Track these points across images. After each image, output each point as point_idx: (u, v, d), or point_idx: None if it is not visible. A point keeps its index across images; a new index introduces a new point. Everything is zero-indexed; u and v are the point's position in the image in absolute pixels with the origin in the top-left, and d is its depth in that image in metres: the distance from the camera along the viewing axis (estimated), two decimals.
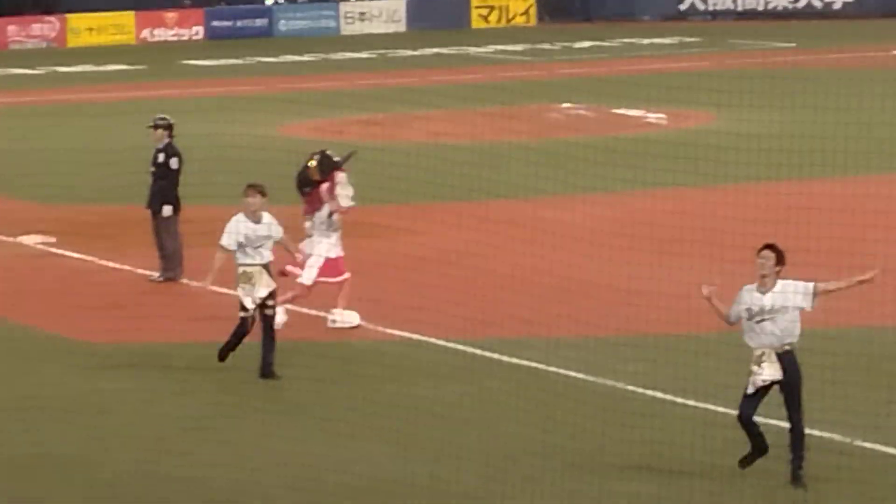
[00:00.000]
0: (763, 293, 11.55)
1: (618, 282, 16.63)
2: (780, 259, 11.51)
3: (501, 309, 16.57)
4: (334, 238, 17.09)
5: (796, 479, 11.83)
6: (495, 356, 15.69)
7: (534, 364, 15.27)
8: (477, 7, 53.28)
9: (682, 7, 57.85)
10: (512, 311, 16.42)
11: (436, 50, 49.63)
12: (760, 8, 59.16)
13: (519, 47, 48.92)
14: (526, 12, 53.69)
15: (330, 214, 16.94)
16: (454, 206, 21.62)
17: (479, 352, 15.84)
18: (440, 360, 15.67)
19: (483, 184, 20.11)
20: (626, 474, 12.01)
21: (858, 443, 12.69)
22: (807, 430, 12.03)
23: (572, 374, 14.84)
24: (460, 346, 15.97)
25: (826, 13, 58.96)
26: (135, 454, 12.74)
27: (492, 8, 53.07)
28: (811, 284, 11.66)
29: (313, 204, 17.04)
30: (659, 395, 14.00)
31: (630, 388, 14.33)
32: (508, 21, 53.48)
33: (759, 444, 11.92)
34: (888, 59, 44.54)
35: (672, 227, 17.78)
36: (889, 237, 17.66)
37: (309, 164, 17.13)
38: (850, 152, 19.45)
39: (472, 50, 48.64)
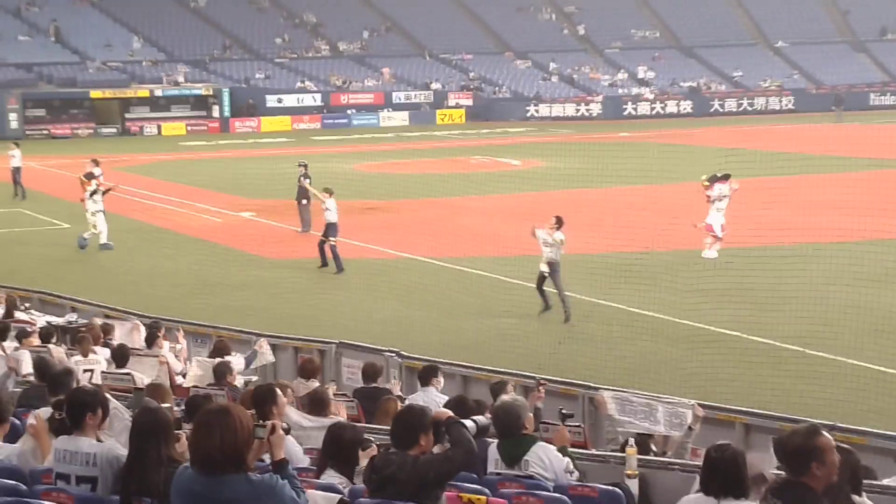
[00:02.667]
0: None
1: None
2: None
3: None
4: None
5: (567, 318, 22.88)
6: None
7: None
8: (440, 115, 79.62)
9: (528, 115, 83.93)
10: None
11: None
12: (568, 114, 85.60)
13: (457, 131, 74.64)
14: (461, 117, 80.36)
15: None
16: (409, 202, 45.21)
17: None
18: None
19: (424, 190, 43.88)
20: None
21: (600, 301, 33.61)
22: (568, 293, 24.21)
23: None
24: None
25: (587, 118, 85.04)
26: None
27: (445, 115, 79.59)
28: None
29: None
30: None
31: None
32: (453, 120, 79.79)
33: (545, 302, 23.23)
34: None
35: (496, 213, 41.47)
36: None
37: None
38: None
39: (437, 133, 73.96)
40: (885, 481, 9.69)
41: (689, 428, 11.25)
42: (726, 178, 31.09)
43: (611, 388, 13.34)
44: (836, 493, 7.00)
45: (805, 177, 42.57)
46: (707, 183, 30.95)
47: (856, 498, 7.29)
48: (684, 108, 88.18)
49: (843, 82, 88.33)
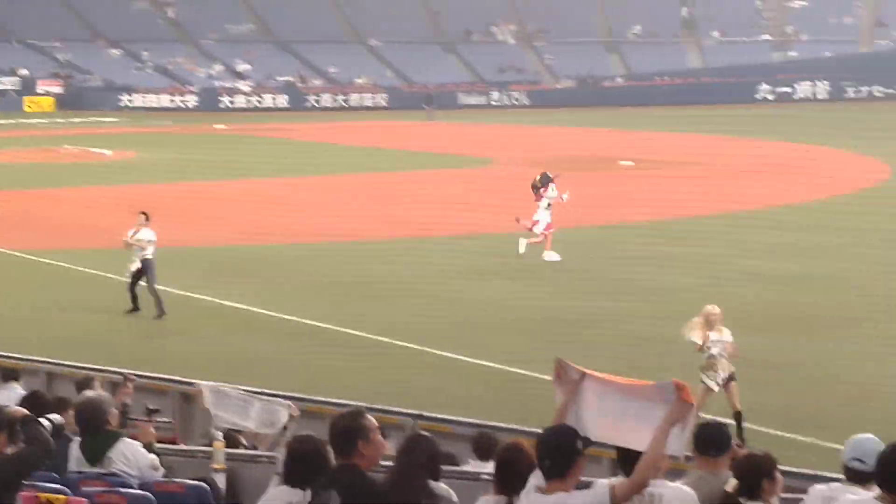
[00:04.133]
0: None
1: None
2: None
3: None
4: None
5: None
6: None
7: None
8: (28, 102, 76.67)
9: (122, 105, 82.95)
10: None
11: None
12: (163, 105, 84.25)
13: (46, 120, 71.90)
14: (50, 105, 78.83)
15: None
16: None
17: None
18: None
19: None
20: None
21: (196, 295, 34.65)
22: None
23: None
24: None
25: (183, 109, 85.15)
26: None
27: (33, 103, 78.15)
28: None
29: None
30: None
31: None
32: (41, 108, 78.69)
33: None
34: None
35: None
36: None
37: None
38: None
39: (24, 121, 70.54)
40: (466, 467, 9.99)
41: (284, 427, 11.21)
42: (553, 179, 30.58)
43: (210, 382, 13.15)
44: (410, 478, 7.14)
45: (403, 173, 43.57)
46: (541, 184, 30.44)
47: (433, 483, 7.45)
48: (280, 103, 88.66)
49: (434, 81, 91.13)
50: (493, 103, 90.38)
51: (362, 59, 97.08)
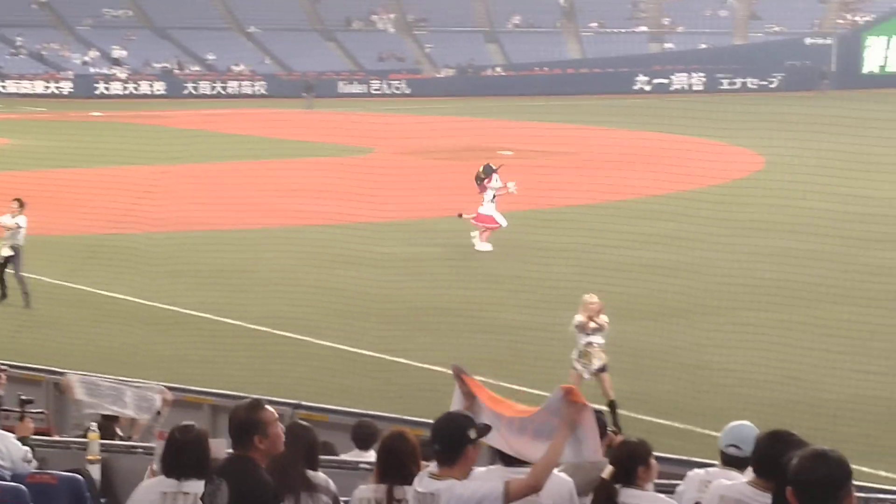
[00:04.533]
0: None
1: None
2: None
3: None
4: None
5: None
6: None
7: None
8: None
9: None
10: None
11: None
12: (38, 91, 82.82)
13: None
14: None
15: None
16: None
17: None
18: None
19: None
20: None
21: (68, 284, 34.06)
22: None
23: None
24: None
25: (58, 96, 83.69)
26: None
27: None
28: None
29: None
30: None
31: None
32: None
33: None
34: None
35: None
36: None
37: None
38: None
39: None
40: (343, 456, 10.00)
41: (158, 413, 11.13)
42: (496, 170, 30.29)
43: (78, 372, 12.99)
44: (288, 467, 7.13)
45: (281, 162, 43.31)
46: (484, 175, 30.09)
47: (311, 473, 7.45)
48: (157, 90, 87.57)
49: (314, 70, 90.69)
50: (374, 92, 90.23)
51: (241, 47, 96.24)
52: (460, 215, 29.48)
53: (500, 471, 6.98)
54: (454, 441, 6.81)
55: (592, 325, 16.44)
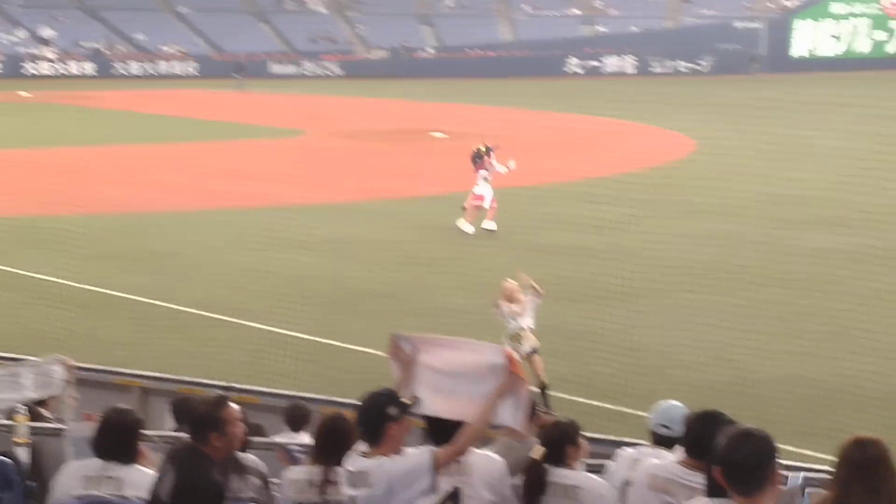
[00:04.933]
0: None
1: None
2: None
3: None
4: None
5: None
6: None
7: None
8: None
9: None
10: None
11: None
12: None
13: None
14: None
15: None
16: None
17: None
18: None
19: None
20: None
21: None
22: None
23: None
24: None
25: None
26: None
27: None
28: None
29: None
30: None
31: None
32: None
33: None
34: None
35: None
36: None
37: None
38: None
39: None
40: (277, 438, 9.97)
41: (66, 381, 11.01)
42: (493, 150, 29.94)
43: None
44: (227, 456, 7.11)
45: (212, 143, 42.98)
46: (486, 153, 29.64)
47: (241, 455, 7.43)
48: (87, 70, 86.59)
49: (245, 50, 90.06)
50: (306, 73, 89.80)
51: (171, 27, 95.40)
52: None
53: (430, 448, 7.00)
54: (374, 420, 6.81)
55: (514, 308, 16.51)
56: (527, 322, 16.52)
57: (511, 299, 16.56)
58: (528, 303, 16.56)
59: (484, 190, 28.69)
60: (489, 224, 28.30)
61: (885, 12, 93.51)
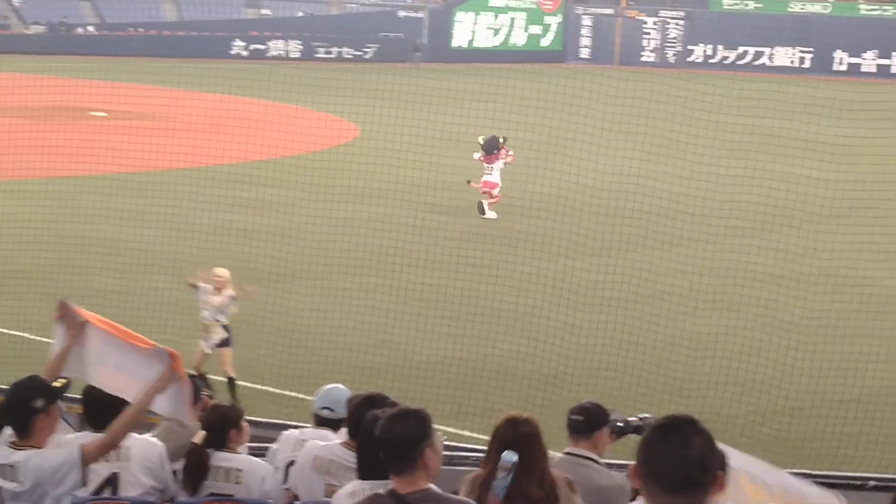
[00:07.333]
0: None
1: None
2: None
3: None
4: None
5: None
6: None
7: None
8: None
9: None
10: None
11: None
12: None
13: None
14: None
15: None
16: None
17: None
18: None
19: None
20: None
21: None
22: None
23: None
24: None
25: None
26: None
27: None
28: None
29: None
30: None
31: None
32: None
33: None
34: None
35: None
36: None
37: None
38: None
39: None
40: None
41: None
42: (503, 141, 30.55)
43: None
44: None
45: None
46: (503, 144, 30.24)
47: None
48: None
49: None
50: None
51: None
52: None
53: (79, 438, 6.89)
54: (20, 413, 6.70)
55: (213, 299, 16.35)
56: (220, 316, 16.37)
57: (220, 287, 16.37)
58: (228, 300, 16.41)
59: (497, 178, 30.13)
60: (491, 213, 29.66)
61: (541, 7, 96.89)
